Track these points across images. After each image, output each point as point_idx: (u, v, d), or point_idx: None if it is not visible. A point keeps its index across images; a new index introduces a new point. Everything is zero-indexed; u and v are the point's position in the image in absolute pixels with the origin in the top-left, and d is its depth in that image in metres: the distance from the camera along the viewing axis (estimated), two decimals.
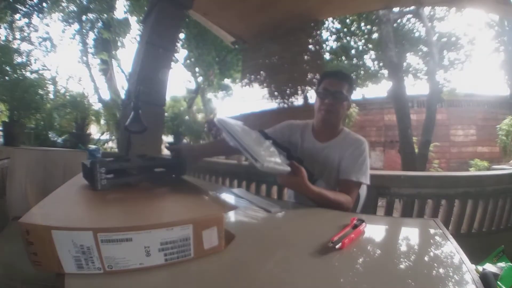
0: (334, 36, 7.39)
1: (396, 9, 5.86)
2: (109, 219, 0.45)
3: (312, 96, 4.04)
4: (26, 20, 6.15)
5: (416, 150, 5.50)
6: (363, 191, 1.27)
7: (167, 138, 3.76)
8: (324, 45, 6.95)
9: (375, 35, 6.91)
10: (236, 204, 0.87)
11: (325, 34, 7.17)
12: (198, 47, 6.53)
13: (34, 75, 2.74)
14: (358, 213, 1.06)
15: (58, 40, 6.76)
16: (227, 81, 8.93)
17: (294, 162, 0.84)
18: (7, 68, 2.46)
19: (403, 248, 0.58)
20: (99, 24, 6.91)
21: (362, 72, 7.48)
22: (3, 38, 5.56)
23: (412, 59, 7.44)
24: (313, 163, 1.10)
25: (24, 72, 2.58)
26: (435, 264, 0.49)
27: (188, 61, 7.12)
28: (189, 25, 5.93)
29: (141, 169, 0.72)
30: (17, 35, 6.03)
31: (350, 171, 1.04)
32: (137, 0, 6.38)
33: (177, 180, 0.78)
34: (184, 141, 3.82)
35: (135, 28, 7.01)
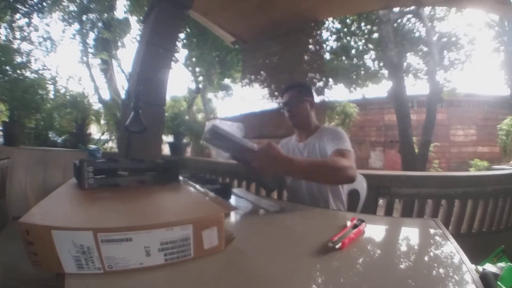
0: (334, 36, 7.39)
1: (396, 9, 5.86)
2: (109, 219, 0.45)
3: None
4: (26, 19, 6.15)
5: (416, 150, 5.50)
6: (363, 191, 1.28)
7: (167, 138, 3.76)
8: (324, 45, 6.94)
9: (375, 35, 6.91)
10: (236, 204, 0.87)
11: (325, 34, 7.17)
12: (199, 47, 6.53)
13: (34, 75, 2.74)
14: (358, 213, 1.06)
15: (58, 40, 6.76)
16: (227, 81, 8.93)
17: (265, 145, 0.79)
18: (7, 68, 2.46)
19: (403, 248, 0.58)
20: (99, 24, 6.91)
21: (362, 72, 7.48)
22: (3, 38, 5.56)
23: (412, 59, 7.44)
24: None
25: (24, 72, 2.58)
26: (435, 264, 0.49)
27: (188, 61, 7.13)
28: (189, 24, 5.94)
29: (132, 171, 0.72)
30: (17, 35, 6.03)
31: (336, 144, 1.08)
32: (137, 0, 6.37)
33: (173, 181, 0.78)
34: (184, 141, 3.81)
35: (135, 28, 7.01)
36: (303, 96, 1.27)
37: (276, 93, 3.58)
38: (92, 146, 3.23)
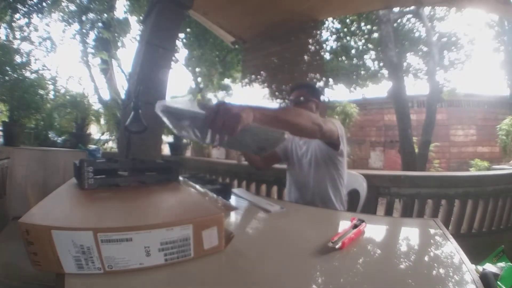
0: (334, 36, 7.39)
1: (396, 9, 5.86)
2: (109, 219, 0.45)
3: None
4: (26, 19, 6.15)
5: (416, 150, 5.50)
6: (363, 191, 1.28)
7: (167, 138, 3.76)
8: (324, 45, 6.95)
9: (375, 35, 6.91)
10: (236, 204, 0.87)
11: (325, 34, 7.17)
12: (200, 46, 6.53)
13: (34, 75, 2.74)
14: (358, 213, 1.06)
15: (58, 40, 6.76)
16: (227, 81, 8.93)
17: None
18: (7, 68, 2.46)
19: (403, 248, 0.58)
20: (99, 24, 6.91)
21: (362, 72, 7.48)
22: (3, 38, 5.56)
23: (412, 59, 7.45)
24: (302, 159, 1.27)
25: (24, 72, 2.58)
26: (435, 264, 0.49)
27: (189, 61, 7.13)
28: (190, 24, 5.94)
29: (132, 171, 0.72)
30: (17, 35, 6.03)
31: None
32: (137, 0, 6.37)
33: (173, 181, 0.77)
34: (184, 141, 3.81)
35: (135, 28, 7.02)
36: (310, 96, 1.29)
37: (276, 93, 3.58)
38: (92, 146, 3.24)
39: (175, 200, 0.62)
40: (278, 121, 0.77)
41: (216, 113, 0.62)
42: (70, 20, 6.81)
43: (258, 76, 3.83)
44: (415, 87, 7.81)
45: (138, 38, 6.23)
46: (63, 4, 6.62)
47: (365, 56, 7.56)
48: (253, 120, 0.67)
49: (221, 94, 9.42)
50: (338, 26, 7.24)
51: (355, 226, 0.59)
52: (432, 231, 0.66)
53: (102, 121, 4.24)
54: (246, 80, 4.08)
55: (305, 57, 3.47)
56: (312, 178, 1.21)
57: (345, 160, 1.21)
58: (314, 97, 1.31)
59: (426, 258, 0.53)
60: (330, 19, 6.70)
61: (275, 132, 0.74)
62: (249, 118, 0.65)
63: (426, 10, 6.12)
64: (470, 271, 0.44)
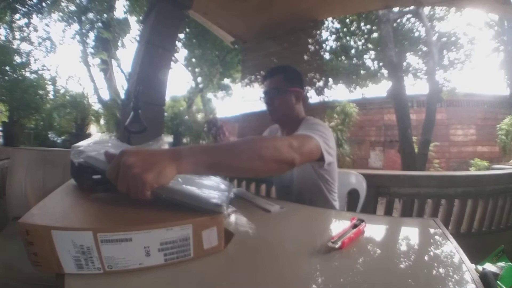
0: (334, 36, 7.41)
1: (396, 9, 5.87)
2: (109, 219, 0.45)
3: (312, 96, 4.06)
4: (26, 20, 6.16)
5: (416, 150, 5.51)
6: (362, 191, 1.27)
7: (167, 138, 3.76)
8: (324, 45, 6.96)
9: (374, 35, 6.93)
10: (236, 204, 0.87)
11: (325, 34, 7.20)
12: (200, 46, 6.56)
13: (33, 76, 2.74)
14: (358, 213, 1.06)
15: (58, 40, 6.77)
16: (227, 81, 8.95)
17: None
18: (7, 68, 2.47)
19: (403, 248, 0.58)
20: (99, 24, 6.92)
21: (362, 72, 7.49)
22: (3, 38, 5.57)
23: (412, 59, 7.48)
24: None
25: (24, 72, 2.59)
26: (435, 264, 0.49)
27: (188, 61, 7.15)
28: (190, 24, 5.96)
29: None
30: (17, 35, 6.03)
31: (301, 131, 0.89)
32: (137, 0, 6.38)
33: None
34: (184, 141, 3.81)
35: (135, 28, 7.03)
36: (288, 85, 1.03)
37: None
38: None
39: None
40: (222, 169, 0.52)
41: (117, 170, 0.44)
42: (70, 20, 6.82)
43: (258, 76, 3.84)
44: (415, 87, 7.84)
45: (138, 38, 6.25)
46: (63, 4, 6.64)
47: (365, 56, 7.59)
48: (180, 172, 0.46)
49: (221, 94, 9.44)
50: (338, 26, 7.26)
51: (355, 226, 0.59)
52: (431, 230, 0.66)
53: (102, 121, 4.26)
54: (246, 80, 4.09)
55: (305, 57, 3.48)
56: (295, 188, 1.09)
57: (335, 167, 1.04)
58: (294, 85, 1.04)
59: (426, 258, 0.53)
60: (330, 19, 6.72)
61: (205, 204, 0.46)
62: (162, 178, 0.44)
63: (426, 10, 6.14)
64: (470, 270, 0.44)
